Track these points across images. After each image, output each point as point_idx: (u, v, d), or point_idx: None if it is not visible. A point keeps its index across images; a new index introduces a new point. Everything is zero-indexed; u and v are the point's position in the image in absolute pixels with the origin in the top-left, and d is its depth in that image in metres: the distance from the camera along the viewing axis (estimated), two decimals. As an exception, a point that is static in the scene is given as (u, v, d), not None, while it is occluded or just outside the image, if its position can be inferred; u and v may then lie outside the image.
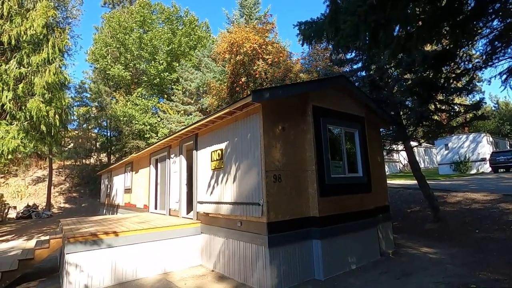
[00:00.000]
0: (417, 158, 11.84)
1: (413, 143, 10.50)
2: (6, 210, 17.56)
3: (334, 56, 9.49)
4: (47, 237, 6.78)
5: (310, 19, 4.37)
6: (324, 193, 5.28)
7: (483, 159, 23.34)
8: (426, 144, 33.71)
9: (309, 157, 5.37)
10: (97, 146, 28.91)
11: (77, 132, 26.16)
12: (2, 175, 21.93)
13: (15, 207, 18.87)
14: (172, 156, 8.39)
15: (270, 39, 16.27)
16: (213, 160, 6.24)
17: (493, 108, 45.80)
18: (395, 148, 12.34)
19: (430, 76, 6.94)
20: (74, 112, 13.36)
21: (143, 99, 25.49)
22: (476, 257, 5.91)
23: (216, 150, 6.14)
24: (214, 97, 16.64)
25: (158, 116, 24.04)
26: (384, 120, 7.58)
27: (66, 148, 25.27)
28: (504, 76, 5.33)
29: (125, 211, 12.47)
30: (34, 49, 9.36)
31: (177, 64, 25.29)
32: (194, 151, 7.10)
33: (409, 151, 9.19)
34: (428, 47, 8.71)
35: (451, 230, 8.02)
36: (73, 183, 25.56)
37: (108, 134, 28.61)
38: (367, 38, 4.30)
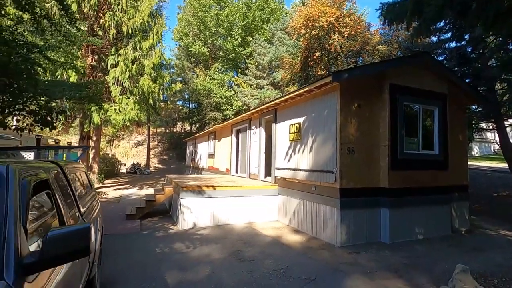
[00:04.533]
0: (514, 138, 10.50)
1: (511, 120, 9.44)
2: (119, 166, 22.14)
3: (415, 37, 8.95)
4: (161, 187, 8.83)
5: (392, 0, 4.54)
6: (396, 167, 5.65)
7: None
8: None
9: (382, 133, 5.74)
10: (181, 116, 32.84)
11: (166, 104, 30.08)
12: (115, 138, 27.25)
13: (124, 164, 23.59)
14: (252, 127, 9.55)
15: (347, 8, 15.61)
16: (291, 132, 7.08)
17: None
18: (487, 127, 11.15)
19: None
20: (173, 88, 15.65)
21: (219, 74, 27.50)
22: None
23: (294, 124, 6.94)
24: (287, 71, 17.13)
25: (233, 90, 25.81)
26: (470, 97, 7.16)
27: (158, 118, 29.49)
28: None
29: (208, 173, 14.58)
30: (143, 36, 11.35)
31: (251, 39, 26.18)
32: (273, 124, 8.05)
33: (502, 131, 8.42)
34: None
35: (544, 217, 7.39)
36: (164, 148, 30.06)
37: (190, 106, 32.08)
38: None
